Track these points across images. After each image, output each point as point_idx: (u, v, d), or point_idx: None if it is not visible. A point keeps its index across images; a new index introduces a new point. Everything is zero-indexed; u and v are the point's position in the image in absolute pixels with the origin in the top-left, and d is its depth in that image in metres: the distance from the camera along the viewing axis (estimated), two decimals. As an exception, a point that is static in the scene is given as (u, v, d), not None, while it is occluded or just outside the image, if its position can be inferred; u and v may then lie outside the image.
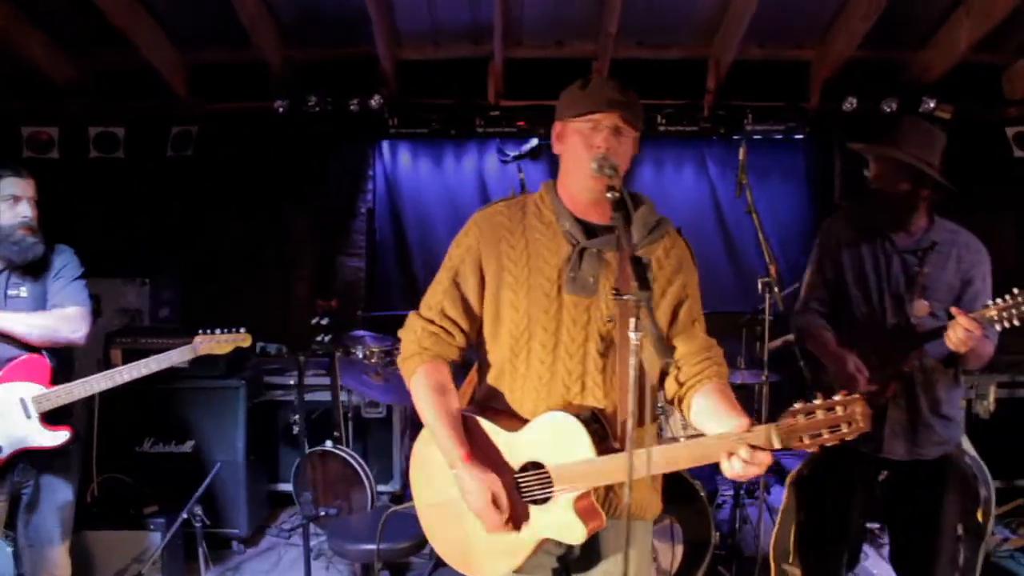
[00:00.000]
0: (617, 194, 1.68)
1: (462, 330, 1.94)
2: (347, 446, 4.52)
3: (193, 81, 5.31)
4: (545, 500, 1.82)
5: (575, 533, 1.81)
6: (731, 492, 4.30)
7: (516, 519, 1.83)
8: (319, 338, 3.69)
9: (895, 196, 2.53)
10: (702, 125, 5.31)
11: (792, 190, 5.77)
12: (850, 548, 2.80)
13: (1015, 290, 2.22)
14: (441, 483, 1.93)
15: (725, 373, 1.91)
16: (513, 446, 1.86)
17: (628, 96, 1.82)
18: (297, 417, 4.15)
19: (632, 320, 1.50)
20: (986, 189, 4.89)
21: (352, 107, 5.22)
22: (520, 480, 1.85)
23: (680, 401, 1.91)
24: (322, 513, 3.51)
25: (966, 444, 2.76)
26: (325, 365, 5.18)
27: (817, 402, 1.54)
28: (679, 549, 3.74)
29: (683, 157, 5.75)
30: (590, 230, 1.88)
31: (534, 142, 5.57)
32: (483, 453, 1.85)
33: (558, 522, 1.82)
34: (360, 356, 4.98)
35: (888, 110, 5.03)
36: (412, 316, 1.99)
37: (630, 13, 4.70)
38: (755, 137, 5.34)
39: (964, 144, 3.75)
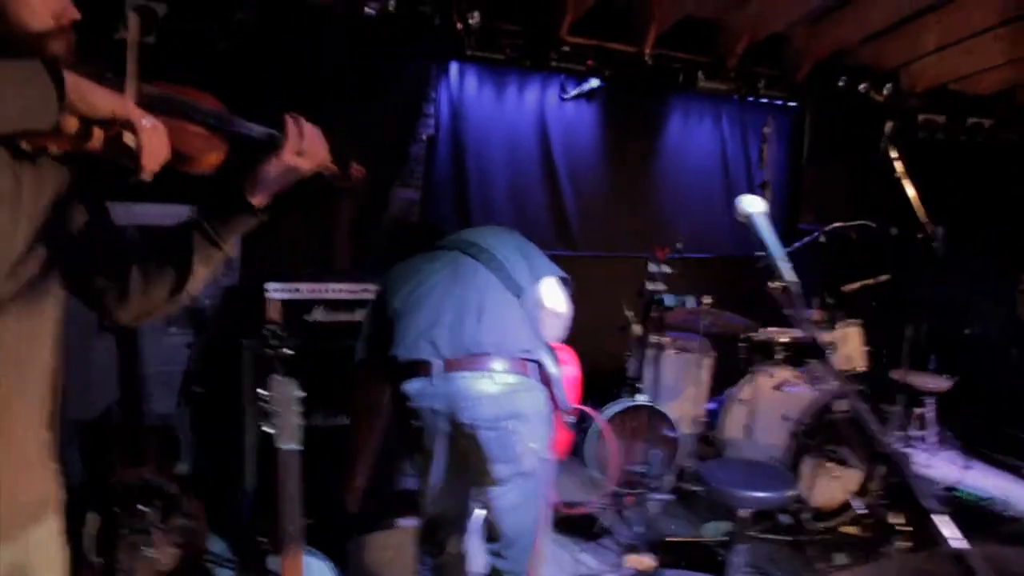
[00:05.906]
0: None
1: None
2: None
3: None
4: None
5: None
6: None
7: None
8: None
9: None
10: (729, 85, 5.85)
11: (779, 148, 6.61)
12: None
13: None
14: None
15: None
16: None
17: None
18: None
19: None
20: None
21: (436, 21, 4.73)
22: None
23: None
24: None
25: None
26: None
27: None
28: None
29: (704, 112, 6.24)
30: None
31: (594, 82, 5.57)
32: None
33: None
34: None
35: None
36: None
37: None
38: (762, 100, 6.09)
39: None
